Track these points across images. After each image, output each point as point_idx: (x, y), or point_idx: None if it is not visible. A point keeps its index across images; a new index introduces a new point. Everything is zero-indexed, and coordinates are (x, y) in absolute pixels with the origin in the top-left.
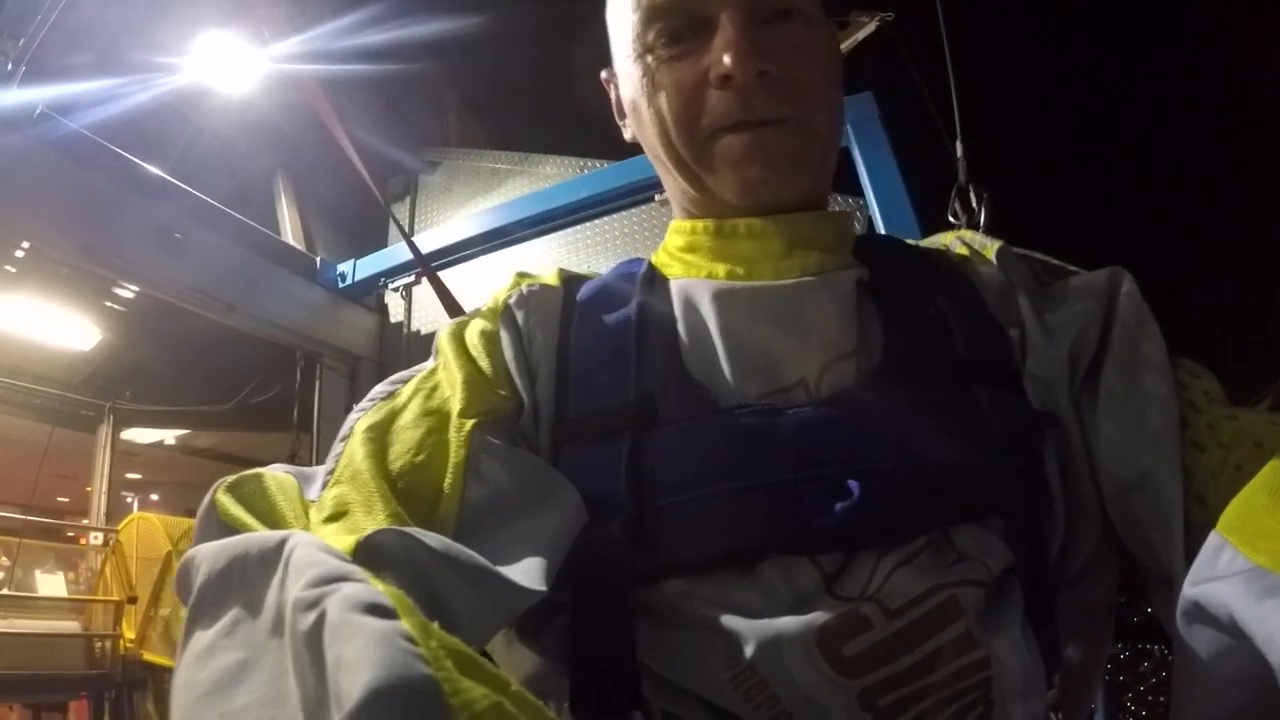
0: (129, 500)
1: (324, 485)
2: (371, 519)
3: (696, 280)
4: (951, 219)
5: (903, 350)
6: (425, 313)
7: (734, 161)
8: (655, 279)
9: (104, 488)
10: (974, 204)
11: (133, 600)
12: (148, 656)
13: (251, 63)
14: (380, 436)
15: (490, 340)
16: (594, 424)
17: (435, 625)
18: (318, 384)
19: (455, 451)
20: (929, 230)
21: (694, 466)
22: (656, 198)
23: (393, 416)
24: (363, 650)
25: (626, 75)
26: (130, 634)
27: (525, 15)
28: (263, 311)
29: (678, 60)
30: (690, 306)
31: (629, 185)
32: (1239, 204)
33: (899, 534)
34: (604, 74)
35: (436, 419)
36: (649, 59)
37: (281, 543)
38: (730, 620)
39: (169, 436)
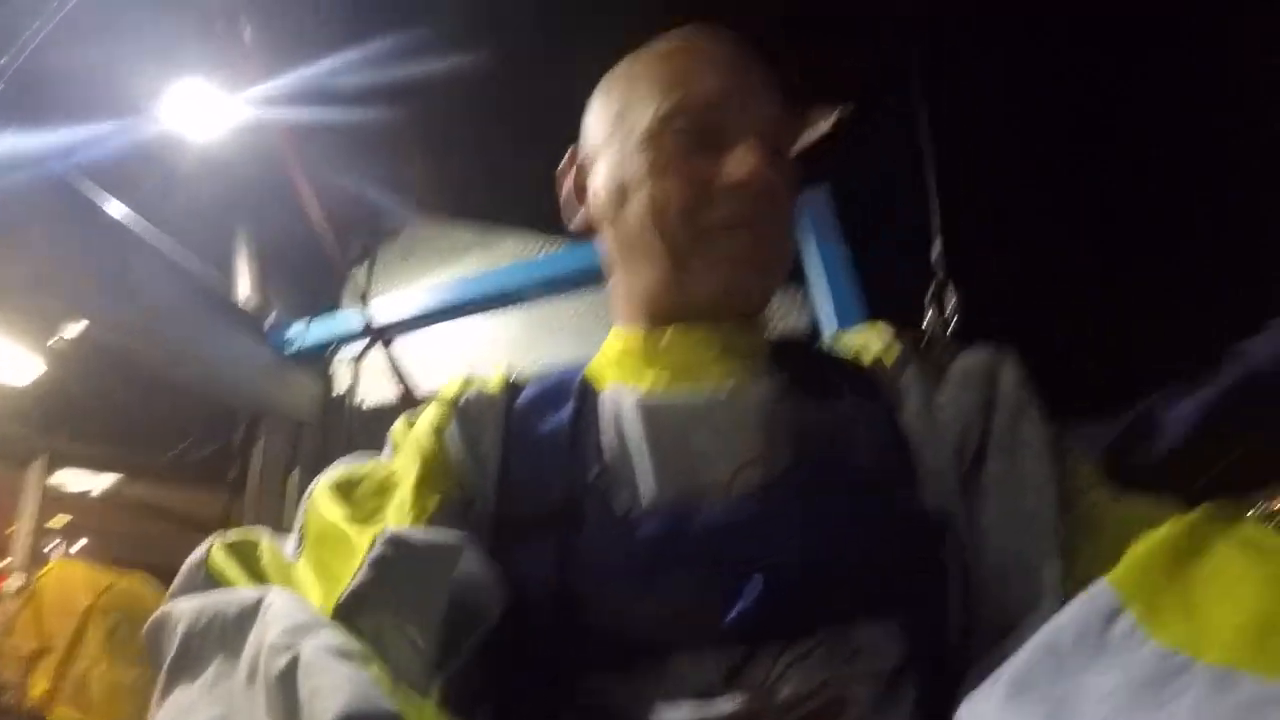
0: (52, 546)
1: (298, 547)
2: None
3: (625, 387)
4: (928, 317)
5: (810, 455)
6: (372, 385)
7: (724, 258)
8: (589, 387)
9: (29, 529)
10: (946, 302)
11: (47, 652)
12: (58, 712)
13: (223, 111)
14: (344, 495)
15: (441, 436)
16: (527, 522)
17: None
18: (258, 446)
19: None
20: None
21: (611, 566)
22: None
23: (353, 484)
24: (335, 682)
25: (623, 160)
26: (40, 688)
27: (498, 92)
28: (209, 366)
29: (694, 155)
30: (616, 412)
31: (586, 269)
32: (1235, 202)
33: (798, 631)
34: (569, 156)
35: (390, 499)
36: (664, 147)
37: (260, 599)
38: (644, 711)
39: (100, 484)
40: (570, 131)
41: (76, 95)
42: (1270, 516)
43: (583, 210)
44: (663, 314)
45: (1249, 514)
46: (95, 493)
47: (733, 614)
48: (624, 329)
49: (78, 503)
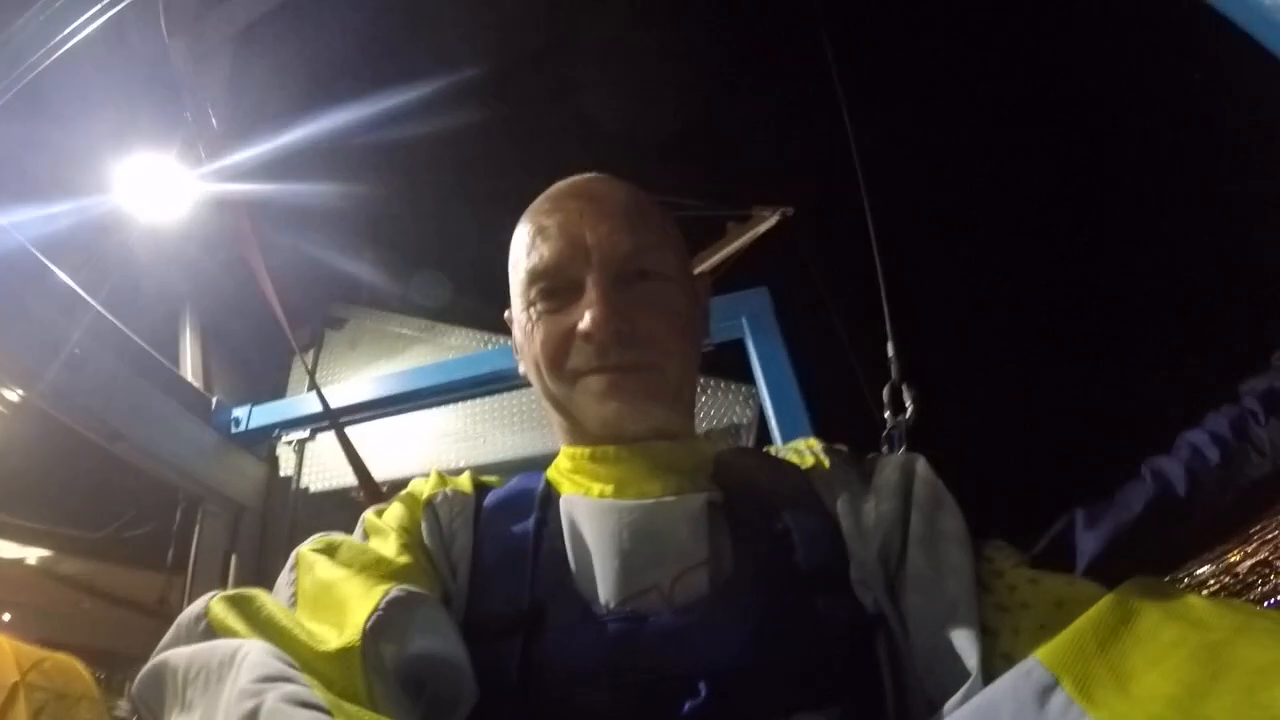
0: None
1: (292, 602)
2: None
3: (577, 496)
4: (886, 416)
5: (749, 563)
6: (316, 470)
7: (594, 399)
8: (550, 494)
9: None
10: (906, 402)
11: None
12: None
13: (177, 188)
14: (330, 554)
15: (415, 532)
16: (494, 624)
17: None
18: (197, 528)
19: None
20: (819, 418)
21: (571, 666)
22: None
23: (334, 547)
24: None
25: (516, 321)
26: None
27: (447, 189)
28: (150, 445)
29: (551, 314)
30: (572, 521)
31: None
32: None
33: None
34: (506, 314)
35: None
36: (531, 312)
37: (238, 648)
38: None
39: (32, 556)
40: (510, 228)
41: (30, 164)
42: (1194, 587)
43: (518, 359)
44: (590, 442)
45: (1174, 585)
46: (25, 564)
47: (682, 714)
48: (570, 448)
49: (6, 574)
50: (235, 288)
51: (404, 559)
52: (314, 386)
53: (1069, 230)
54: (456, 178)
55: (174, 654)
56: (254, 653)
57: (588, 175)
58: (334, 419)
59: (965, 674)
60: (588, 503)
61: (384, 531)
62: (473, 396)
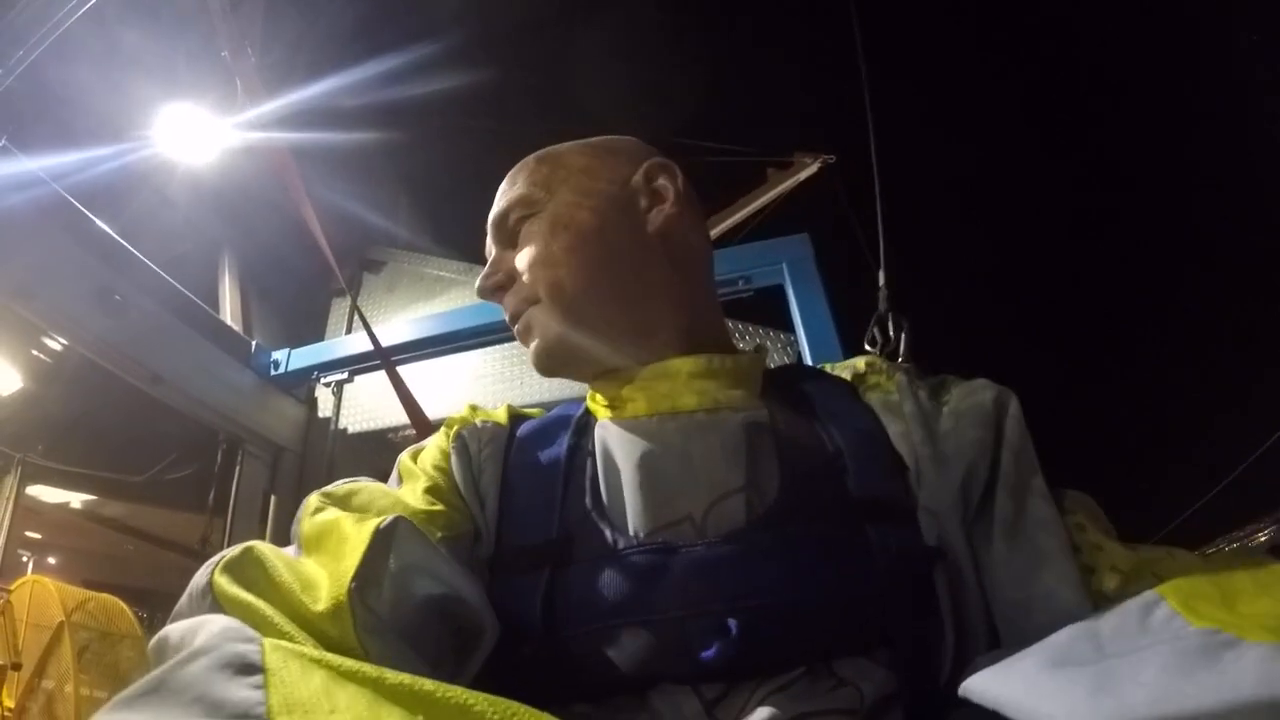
0: (25, 560)
1: (299, 553)
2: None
3: (607, 421)
4: (868, 346)
5: (795, 488)
6: (354, 411)
7: (527, 349)
8: (588, 421)
9: (1, 543)
10: (892, 332)
11: (17, 667)
12: None
13: (213, 135)
14: (340, 501)
15: (445, 466)
16: (521, 556)
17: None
18: (238, 469)
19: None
20: None
21: (596, 601)
22: None
23: (351, 494)
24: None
25: None
26: (9, 703)
27: (485, 129)
28: (191, 388)
29: None
30: (605, 446)
31: None
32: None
33: (777, 667)
34: None
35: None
36: None
37: (201, 624)
38: None
39: (76, 500)
40: None
41: (69, 116)
42: None
43: None
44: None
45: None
46: (70, 508)
47: (710, 652)
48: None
49: (52, 517)
50: (273, 233)
51: (424, 504)
52: (364, 324)
53: (1105, 182)
54: (494, 117)
55: (171, 629)
56: (217, 623)
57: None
58: (384, 356)
59: (1053, 625)
60: (618, 424)
61: (415, 475)
62: (510, 338)
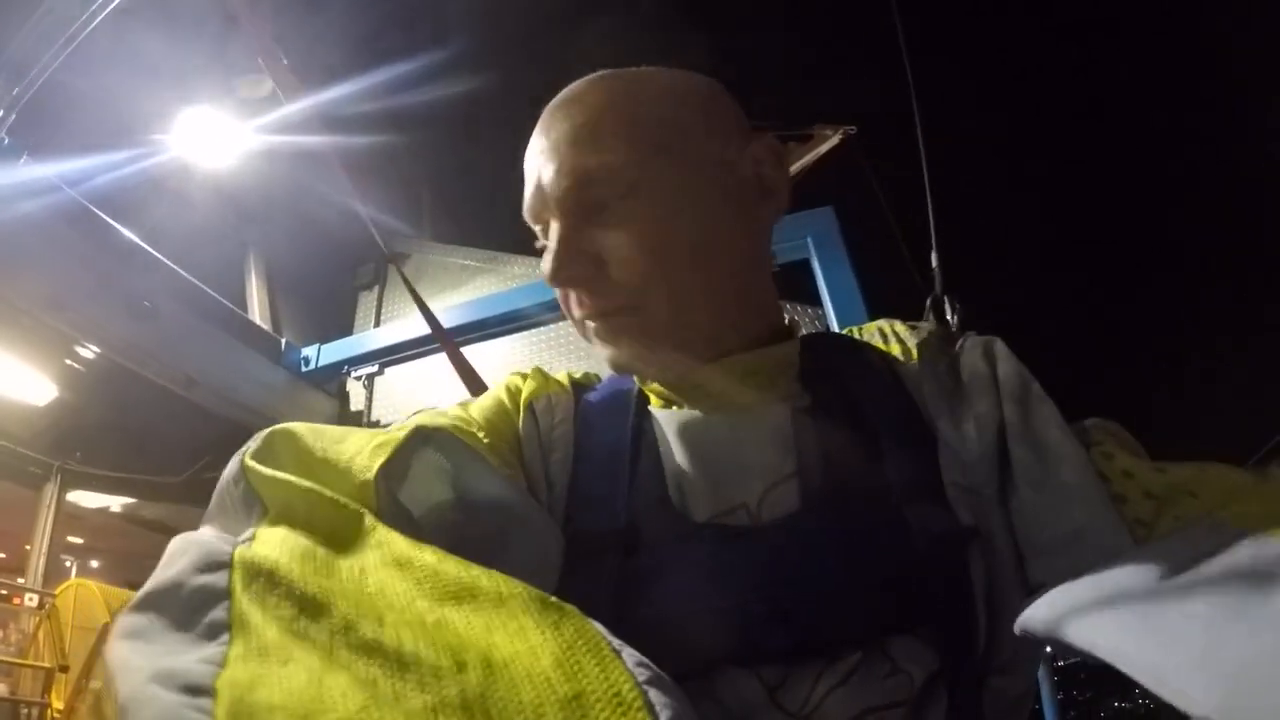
0: (68, 564)
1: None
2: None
3: (663, 411)
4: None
5: (837, 473)
6: (386, 404)
7: (601, 345)
8: (644, 401)
9: (44, 549)
10: (949, 314)
11: (65, 669)
12: None
13: (232, 138)
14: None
15: (510, 432)
16: (590, 541)
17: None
18: None
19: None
20: None
21: (660, 588)
22: None
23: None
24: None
25: None
26: (59, 704)
27: (507, 116)
28: (224, 388)
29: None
30: (664, 435)
31: None
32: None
33: (835, 651)
34: None
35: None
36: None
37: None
38: None
39: (116, 504)
40: None
41: (90, 124)
42: None
43: None
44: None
45: None
46: (110, 512)
47: (770, 636)
48: None
49: (93, 522)
50: (297, 232)
51: (479, 437)
52: (423, 309)
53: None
54: (515, 105)
55: (171, 546)
56: (188, 551)
57: (556, 99)
58: (443, 336)
59: (1091, 561)
60: (671, 415)
61: (476, 426)
62: (538, 325)
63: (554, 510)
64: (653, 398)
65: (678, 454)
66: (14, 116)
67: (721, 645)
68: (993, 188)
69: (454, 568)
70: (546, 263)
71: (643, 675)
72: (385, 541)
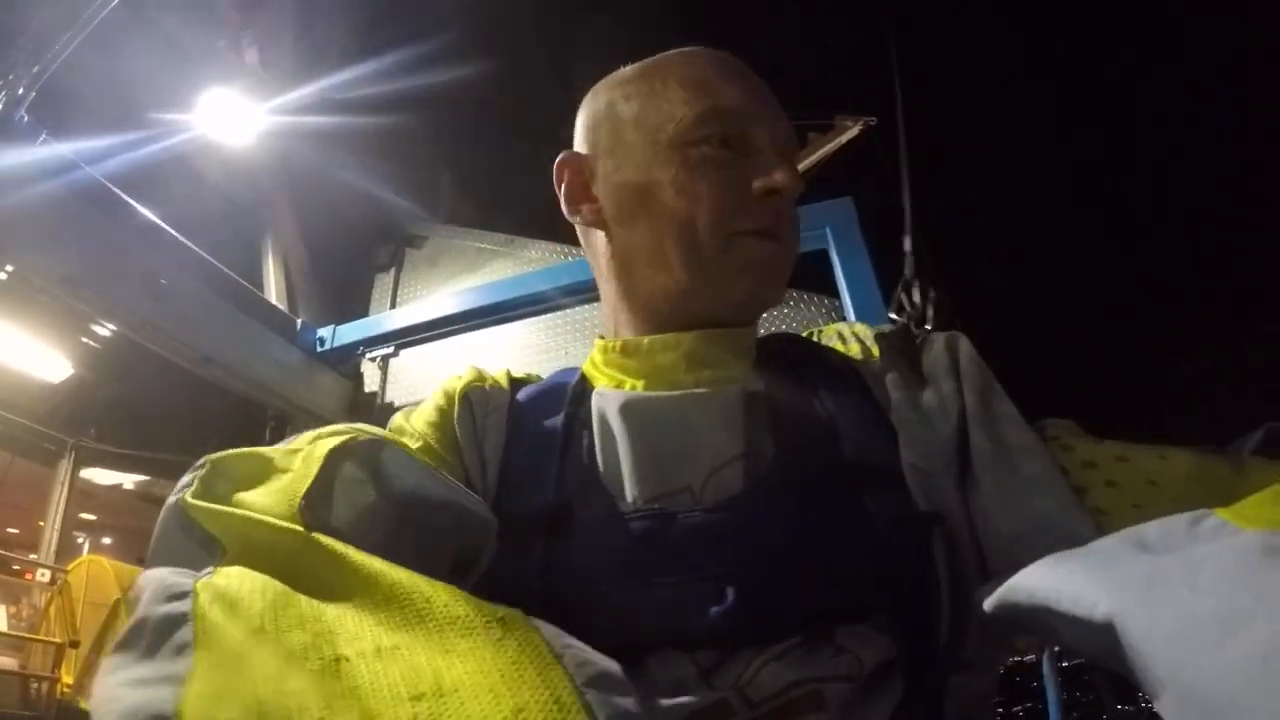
0: (80, 541)
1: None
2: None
3: (608, 390)
4: (893, 316)
5: (790, 456)
6: (400, 385)
7: (752, 265)
8: (584, 389)
9: (57, 525)
10: (918, 299)
11: (76, 644)
12: (84, 704)
13: (249, 118)
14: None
15: (447, 429)
16: (519, 522)
17: None
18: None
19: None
20: None
21: (594, 566)
22: None
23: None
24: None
25: (646, 162)
26: (69, 679)
27: (525, 100)
28: (239, 366)
29: (725, 163)
30: (602, 416)
31: None
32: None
33: (775, 633)
34: (568, 156)
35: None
36: (695, 152)
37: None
38: None
39: (129, 481)
40: None
41: (107, 104)
42: None
43: (585, 209)
44: (661, 319)
45: None
46: (123, 489)
47: (707, 618)
48: (603, 340)
49: (106, 499)
50: (314, 213)
51: (426, 438)
52: (393, 305)
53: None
54: (532, 88)
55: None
56: (150, 583)
57: (721, 54)
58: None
59: (1054, 550)
60: (618, 396)
61: (411, 435)
62: (554, 309)
63: (486, 494)
64: (600, 379)
65: (619, 434)
66: (33, 95)
67: (654, 626)
68: (986, 180)
69: (407, 587)
70: (784, 174)
71: (584, 676)
72: (340, 565)
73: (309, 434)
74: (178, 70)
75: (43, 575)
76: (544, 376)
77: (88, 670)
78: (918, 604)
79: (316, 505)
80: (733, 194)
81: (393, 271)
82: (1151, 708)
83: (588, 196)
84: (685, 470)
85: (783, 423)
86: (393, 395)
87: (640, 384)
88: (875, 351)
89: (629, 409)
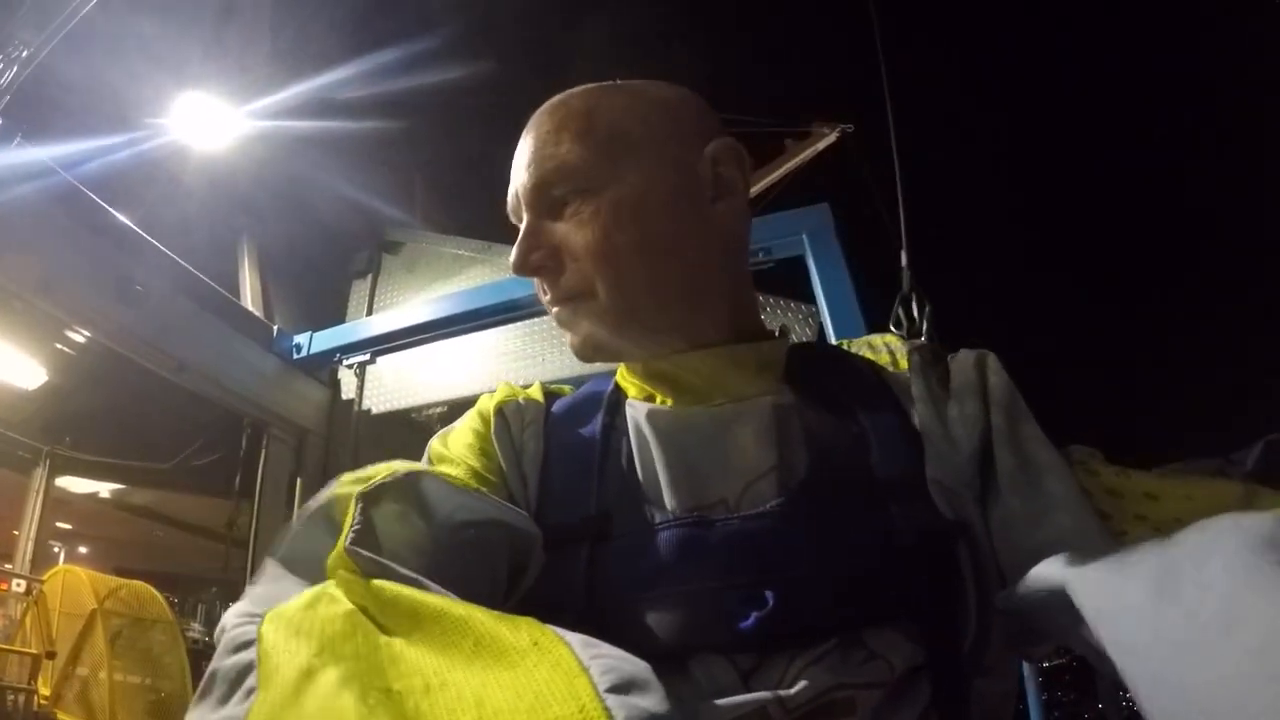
0: (56, 550)
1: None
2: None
3: (641, 403)
4: (894, 327)
5: (823, 467)
6: (377, 392)
7: (564, 329)
8: (618, 399)
9: (32, 534)
10: (916, 313)
11: (52, 655)
12: (61, 715)
13: (226, 123)
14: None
15: (483, 447)
16: (561, 533)
17: None
18: (263, 453)
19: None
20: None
21: (635, 574)
22: None
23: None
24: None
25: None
26: (45, 690)
27: (503, 105)
28: (214, 374)
29: None
30: (638, 428)
31: None
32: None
33: (811, 638)
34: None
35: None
36: None
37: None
38: None
39: (104, 489)
40: None
41: (83, 107)
42: None
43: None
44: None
45: None
46: (99, 498)
47: (747, 623)
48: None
49: (81, 508)
50: (290, 219)
51: (465, 465)
52: (369, 311)
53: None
54: (510, 94)
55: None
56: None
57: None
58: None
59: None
60: (652, 410)
61: (451, 460)
62: (531, 315)
63: (529, 506)
64: (632, 390)
65: (656, 451)
66: (8, 99)
67: (695, 630)
68: (985, 186)
69: (450, 615)
70: (513, 253)
71: (607, 683)
72: (396, 605)
73: (348, 476)
74: (155, 74)
75: (18, 585)
76: (574, 386)
77: (64, 681)
78: (944, 611)
79: (361, 546)
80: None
81: (370, 278)
82: (1134, 708)
83: None
84: (722, 484)
85: (815, 435)
86: (370, 402)
87: (669, 399)
88: (904, 364)
89: (664, 424)
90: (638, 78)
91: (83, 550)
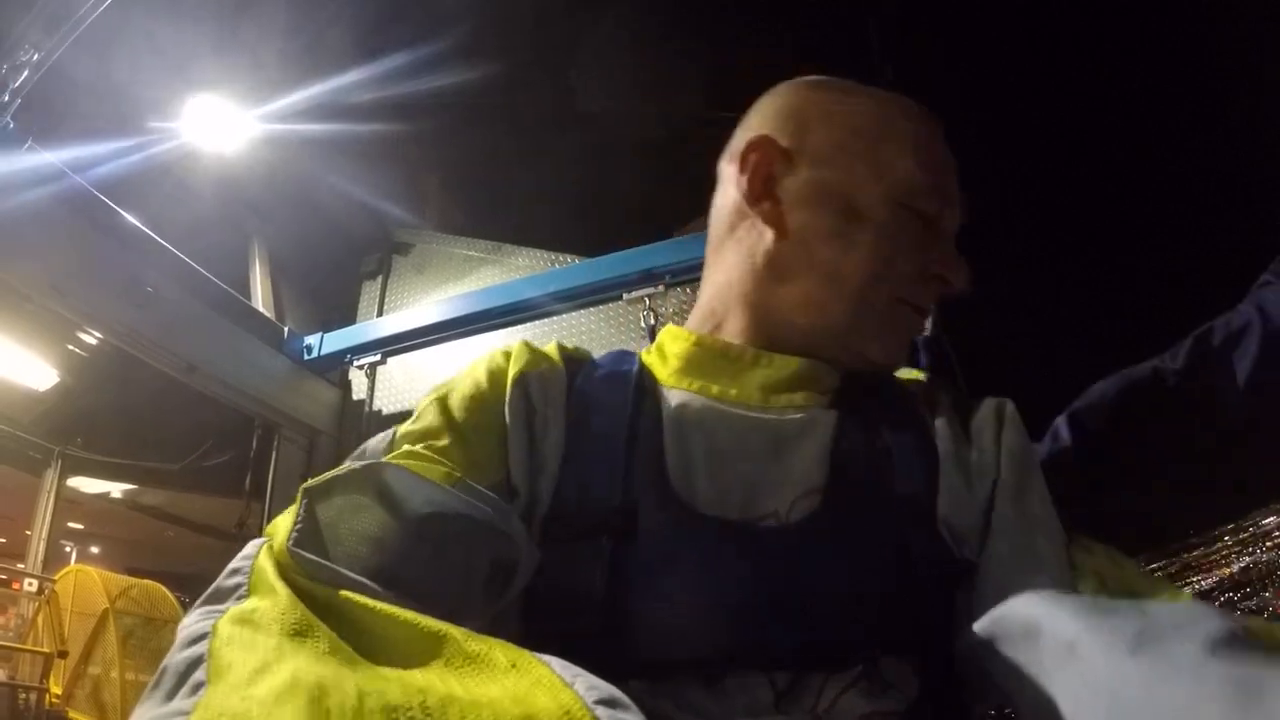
0: (68, 550)
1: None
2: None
3: (689, 394)
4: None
5: (856, 488)
6: (388, 393)
7: (900, 332)
8: (648, 382)
9: (44, 534)
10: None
11: (64, 654)
12: (73, 715)
13: (237, 125)
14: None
15: (491, 419)
16: (581, 522)
17: None
18: (274, 454)
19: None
20: None
21: (665, 576)
22: (625, 296)
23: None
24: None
25: (867, 196)
26: (57, 689)
27: (513, 108)
28: (225, 375)
29: (920, 235)
30: (681, 420)
31: (598, 283)
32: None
33: (838, 662)
34: (765, 139)
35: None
36: (905, 212)
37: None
38: None
39: (116, 490)
40: (574, 147)
41: (94, 109)
42: None
43: (768, 206)
44: (781, 336)
45: None
46: (110, 498)
47: (783, 640)
48: (698, 332)
49: (92, 508)
50: (301, 220)
51: (462, 440)
52: (379, 312)
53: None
54: (522, 96)
55: None
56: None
57: (927, 115)
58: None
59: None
60: (703, 403)
61: (435, 433)
62: (542, 316)
63: (541, 492)
64: (673, 375)
65: (704, 443)
66: (19, 102)
67: (728, 644)
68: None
69: (421, 629)
70: (964, 279)
71: (593, 698)
72: (340, 613)
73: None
74: (166, 76)
75: (30, 585)
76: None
77: (76, 680)
78: (945, 644)
79: (305, 545)
80: (916, 267)
81: (380, 279)
82: None
83: (771, 192)
84: (772, 498)
85: (854, 454)
86: (380, 403)
87: (732, 391)
88: (936, 398)
89: (718, 420)
90: (645, 77)
91: (94, 550)
